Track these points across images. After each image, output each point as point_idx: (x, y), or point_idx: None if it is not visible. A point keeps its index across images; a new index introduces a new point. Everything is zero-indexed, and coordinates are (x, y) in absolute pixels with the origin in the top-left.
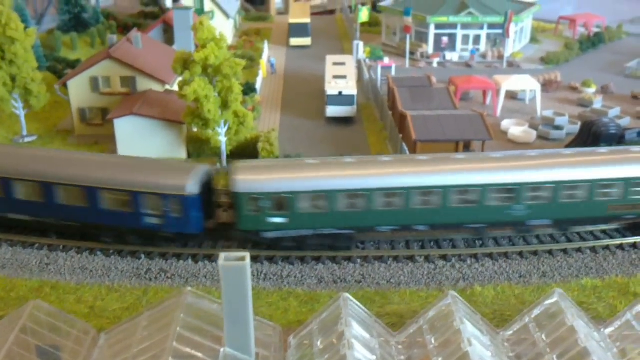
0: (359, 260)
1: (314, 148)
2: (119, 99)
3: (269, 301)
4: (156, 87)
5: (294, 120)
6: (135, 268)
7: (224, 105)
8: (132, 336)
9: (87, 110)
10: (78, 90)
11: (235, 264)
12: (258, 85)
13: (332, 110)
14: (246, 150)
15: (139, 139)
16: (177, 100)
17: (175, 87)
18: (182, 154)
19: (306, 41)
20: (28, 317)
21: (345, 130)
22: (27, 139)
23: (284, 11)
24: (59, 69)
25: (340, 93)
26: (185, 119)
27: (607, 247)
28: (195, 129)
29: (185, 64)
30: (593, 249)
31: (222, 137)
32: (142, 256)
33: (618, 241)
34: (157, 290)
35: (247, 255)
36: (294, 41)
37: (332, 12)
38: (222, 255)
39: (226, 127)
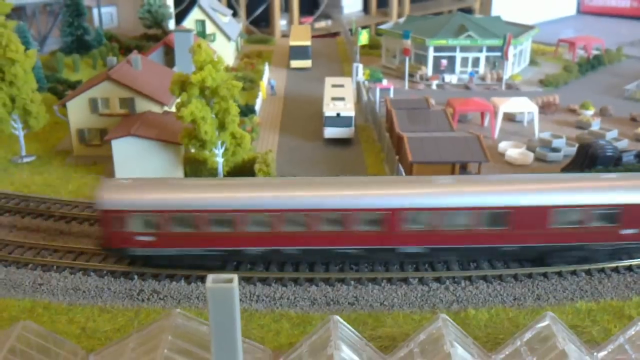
0: (352, 282)
1: (311, 169)
2: (117, 120)
3: (260, 323)
4: (155, 108)
5: (292, 141)
6: (127, 289)
7: (221, 126)
8: (120, 358)
9: (85, 131)
10: (77, 111)
11: (223, 285)
12: (257, 107)
13: (330, 132)
14: (243, 171)
15: (136, 160)
16: (175, 121)
17: (174, 109)
18: (180, 174)
19: (307, 63)
20: (17, 338)
21: (343, 152)
22: (25, 160)
23: (289, 33)
24: (59, 90)
25: (338, 114)
26: (182, 140)
27: (602, 270)
28: (192, 150)
29: (182, 85)
30: (588, 272)
31: (219, 158)
32: (135, 277)
33: (613, 264)
34: (149, 311)
35: (235, 277)
36: (295, 63)
37: (336, 34)
38: (210, 277)
39: (223, 148)
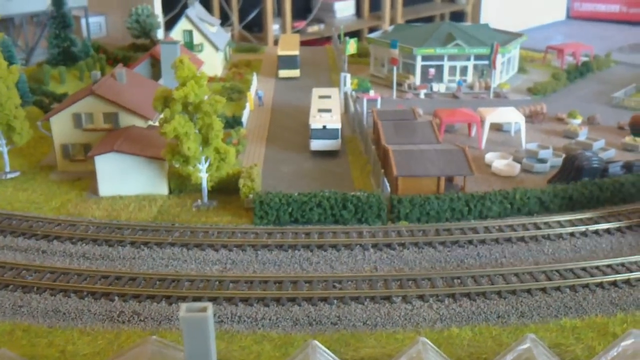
0: (335, 301)
1: (296, 183)
2: (101, 135)
3: (241, 345)
4: (139, 122)
5: (278, 153)
6: (108, 310)
7: (205, 142)
8: None
9: (70, 147)
10: (61, 126)
11: (196, 315)
12: (244, 118)
13: (316, 144)
14: (228, 186)
15: (120, 176)
16: (160, 135)
17: (157, 123)
18: (164, 190)
19: (295, 73)
20: None
21: (330, 164)
22: (9, 176)
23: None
24: (45, 103)
25: (324, 127)
26: (165, 156)
27: (586, 285)
28: (176, 165)
29: (165, 101)
30: (572, 287)
31: (202, 174)
32: (116, 298)
33: (598, 279)
34: (129, 333)
35: (210, 306)
36: (283, 73)
37: (329, 38)
38: (183, 307)
39: (207, 164)
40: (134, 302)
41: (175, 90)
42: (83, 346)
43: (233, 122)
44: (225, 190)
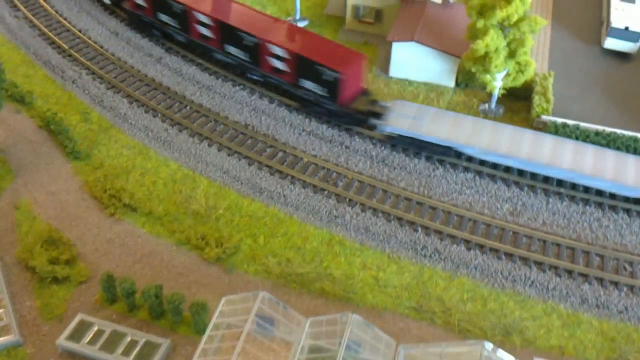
0: (624, 288)
1: (588, 93)
2: (394, 4)
3: (533, 314)
4: None
5: (565, 40)
6: (412, 241)
7: (511, 55)
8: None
9: (361, 8)
10: None
11: None
12: None
13: (611, 43)
14: (518, 94)
15: (413, 63)
16: (456, 18)
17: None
18: (451, 82)
19: None
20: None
21: (622, 70)
22: (300, 24)
23: None
24: None
25: (626, 28)
26: (465, 63)
27: None
28: (473, 70)
29: (482, 9)
30: None
31: (498, 83)
32: (419, 229)
33: None
34: (430, 272)
35: None
36: None
37: None
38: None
39: (504, 73)
40: (435, 238)
41: (498, 10)
42: (392, 275)
43: None
44: (514, 94)
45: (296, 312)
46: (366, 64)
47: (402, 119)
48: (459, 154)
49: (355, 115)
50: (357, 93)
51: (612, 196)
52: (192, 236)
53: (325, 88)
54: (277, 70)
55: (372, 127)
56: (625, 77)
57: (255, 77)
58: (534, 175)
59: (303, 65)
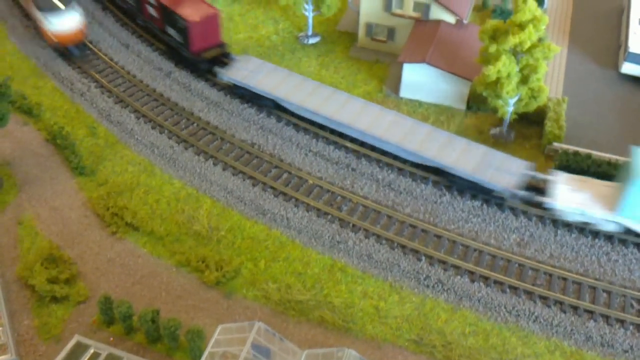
0: (630, 327)
1: (603, 120)
2: (406, 23)
3: (535, 350)
4: (449, 18)
5: (582, 63)
6: (415, 270)
7: (523, 81)
8: None
9: (373, 26)
10: (370, 6)
11: None
12: None
13: (628, 68)
14: (531, 119)
15: (423, 85)
16: (469, 40)
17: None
18: (463, 105)
19: None
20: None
21: (639, 96)
22: (311, 40)
23: None
24: None
25: None
26: (477, 87)
27: None
28: (484, 94)
29: (495, 34)
30: None
31: (509, 108)
32: (423, 258)
33: None
34: (432, 303)
35: None
36: None
37: None
38: None
39: (517, 98)
40: (439, 268)
41: (511, 35)
42: (393, 305)
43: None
44: (527, 119)
45: (292, 344)
46: (220, 20)
47: (241, 71)
48: (280, 107)
49: (202, 63)
50: (211, 45)
51: (625, 231)
52: (192, 258)
53: (181, 35)
54: (152, 17)
55: (214, 75)
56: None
57: (140, 22)
58: (539, 205)
59: (166, 13)
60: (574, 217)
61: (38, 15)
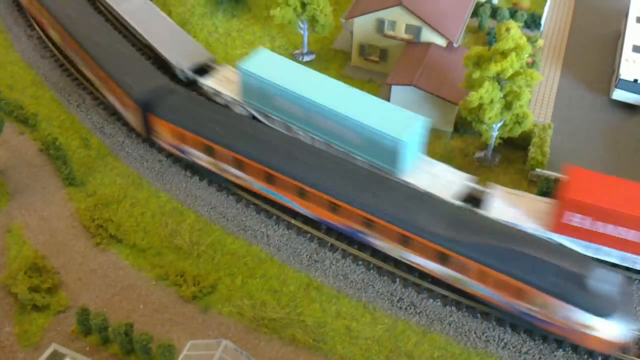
0: None
1: (589, 145)
2: (398, 44)
3: None
4: (440, 41)
5: (573, 88)
6: (389, 292)
7: (507, 108)
8: None
9: (366, 46)
10: (363, 27)
11: None
12: (545, 15)
13: (620, 95)
14: (517, 143)
15: (410, 106)
16: (459, 63)
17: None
18: (449, 127)
19: None
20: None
21: (628, 123)
22: (306, 58)
23: None
24: None
25: (635, 81)
26: (462, 110)
27: None
28: (468, 119)
29: (478, 61)
30: None
31: (494, 133)
32: (397, 280)
33: None
34: (404, 325)
35: None
36: None
37: None
38: None
39: (501, 123)
40: (412, 290)
41: (493, 64)
42: (365, 326)
43: (531, 23)
44: (512, 143)
45: None
46: None
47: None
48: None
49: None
50: None
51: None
52: (171, 272)
53: None
54: None
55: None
56: (629, 130)
57: None
58: None
59: None
60: None
61: None
